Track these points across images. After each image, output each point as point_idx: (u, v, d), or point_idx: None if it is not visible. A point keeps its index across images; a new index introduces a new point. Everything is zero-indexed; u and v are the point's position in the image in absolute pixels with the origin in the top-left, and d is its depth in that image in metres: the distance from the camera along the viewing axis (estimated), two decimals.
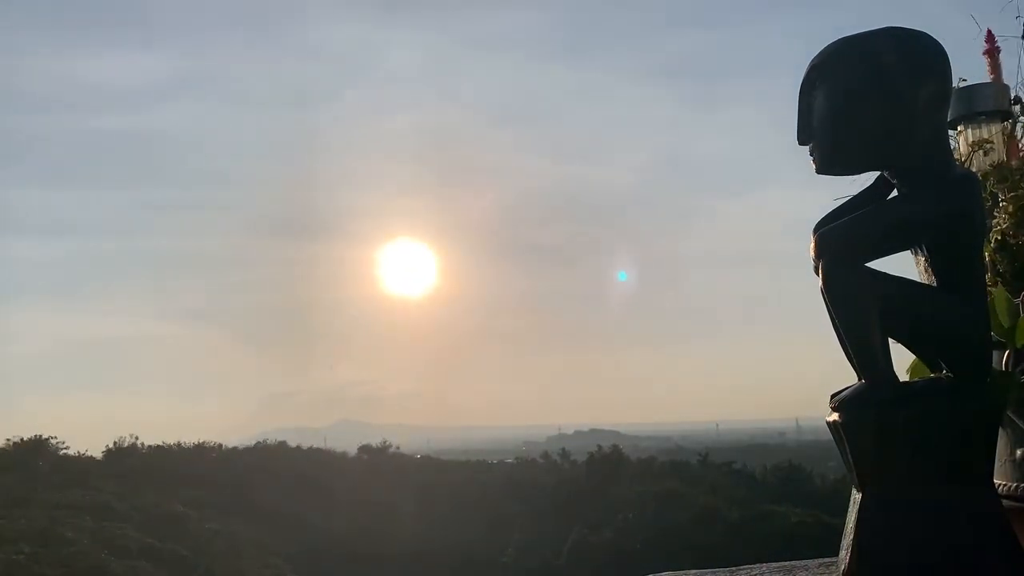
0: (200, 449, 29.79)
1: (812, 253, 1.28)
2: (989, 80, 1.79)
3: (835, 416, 1.29)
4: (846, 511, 1.31)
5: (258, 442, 32.95)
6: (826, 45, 1.30)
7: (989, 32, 1.80)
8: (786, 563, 1.82)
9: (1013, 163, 1.68)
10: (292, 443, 32.35)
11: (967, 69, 1.75)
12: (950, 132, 1.71)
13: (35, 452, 25.70)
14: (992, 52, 1.79)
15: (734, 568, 1.82)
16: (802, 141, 1.31)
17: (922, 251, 1.31)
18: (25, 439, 25.96)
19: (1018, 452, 1.46)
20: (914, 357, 1.40)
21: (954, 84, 1.50)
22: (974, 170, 1.62)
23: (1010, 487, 1.46)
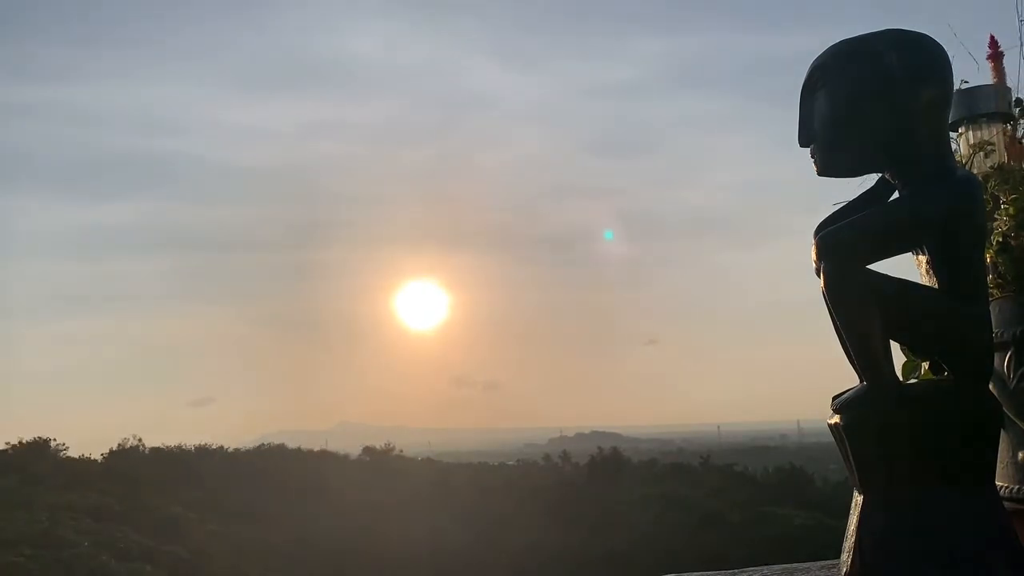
0: (201, 452, 29.80)
1: (813, 255, 1.28)
2: (993, 84, 1.79)
3: (836, 418, 1.29)
4: (848, 513, 1.31)
5: (259, 444, 32.97)
6: (828, 47, 1.30)
7: (992, 37, 1.80)
8: (788, 565, 1.82)
9: (1014, 165, 1.68)
10: (293, 445, 32.35)
11: (970, 72, 1.75)
12: (951, 134, 1.71)
13: (36, 454, 25.70)
14: (996, 56, 1.79)
15: (736, 571, 1.82)
16: (803, 143, 1.31)
17: (923, 253, 1.31)
18: (26, 441, 26.00)
19: (1020, 454, 1.46)
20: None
21: (955, 86, 1.50)
22: (975, 172, 1.62)
23: (1011, 489, 1.46)
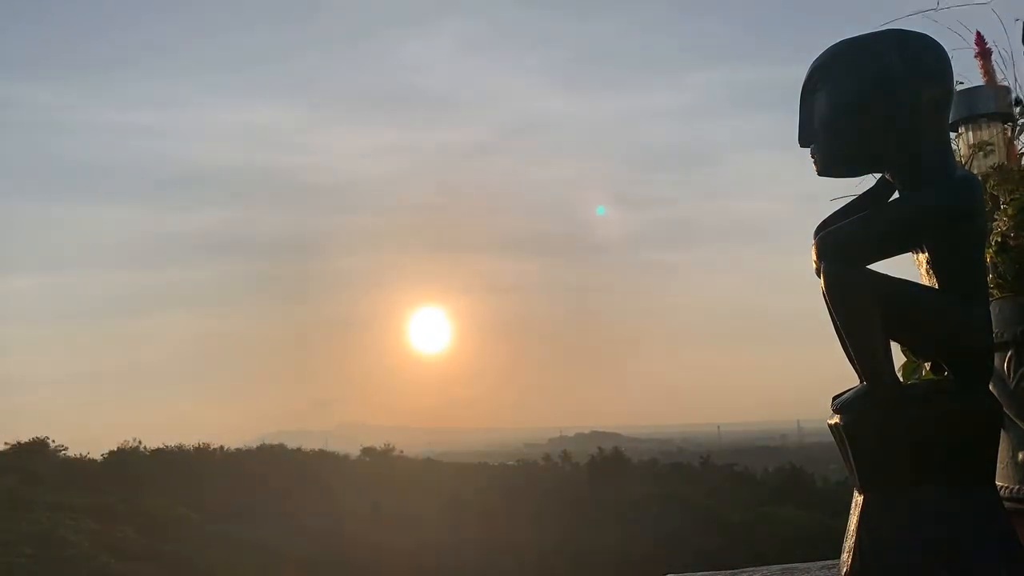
0: (201, 452, 29.82)
1: (813, 256, 1.27)
2: (983, 82, 1.79)
3: (836, 418, 1.28)
4: (848, 513, 1.31)
5: (260, 444, 33.01)
6: (828, 47, 1.30)
7: (978, 34, 1.80)
8: (788, 565, 1.82)
9: (1014, 165, 1.68)
10: (294, 445, 32.39)
11: (968, 72, 1.75)
12: (951, 134, 1.71)
13: (36, 454, 25.72)
14: (984, 54, 1.79)
15: (736, 571, 1.82)
16: (803, 143, 1.31)
17: (923, 253, 1.31)
18: (26, 441, 26.02)
19: (1020, 454, 1.46)
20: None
21: (955, 86, 1.50)
22: (975, 172, 1.62)
23: (1012, 489, 1.45)
